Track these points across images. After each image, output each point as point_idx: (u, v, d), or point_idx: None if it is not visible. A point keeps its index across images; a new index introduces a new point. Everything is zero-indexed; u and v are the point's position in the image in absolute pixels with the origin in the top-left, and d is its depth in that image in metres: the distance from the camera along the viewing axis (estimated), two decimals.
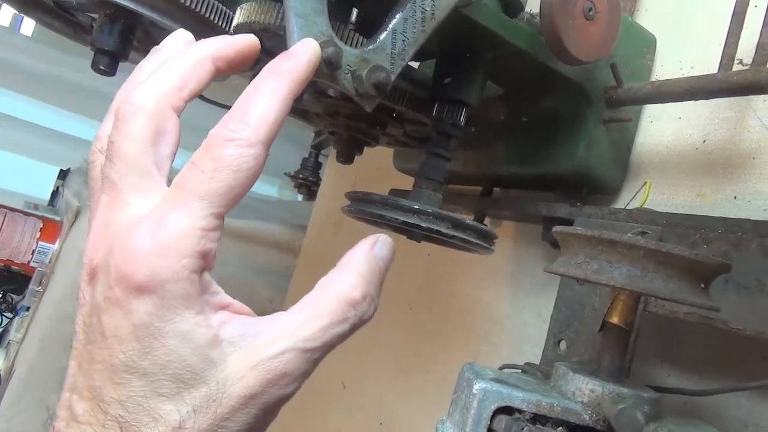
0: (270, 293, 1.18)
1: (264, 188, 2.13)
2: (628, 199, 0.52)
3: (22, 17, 2.02)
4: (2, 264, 1.26)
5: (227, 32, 0.39)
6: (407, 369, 0.70)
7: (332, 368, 0.82)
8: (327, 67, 0.33)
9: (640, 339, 0.41)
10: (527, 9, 0.47)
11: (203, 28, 0.40)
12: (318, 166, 1.05)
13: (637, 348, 0.40)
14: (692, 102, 0.46)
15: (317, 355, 0.25)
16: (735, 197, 0.44)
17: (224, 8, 0.38)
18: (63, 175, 1.59)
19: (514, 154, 0.55)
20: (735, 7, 0.43)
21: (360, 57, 0.35)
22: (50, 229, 1.26)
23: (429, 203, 0.44)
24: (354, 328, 0.26)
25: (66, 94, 1.79)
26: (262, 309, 0.94)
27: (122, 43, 0.43)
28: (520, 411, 0.29)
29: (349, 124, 0.51)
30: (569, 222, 0.50)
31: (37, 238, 1.25)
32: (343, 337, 0.26)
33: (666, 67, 0.52)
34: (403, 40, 0.37)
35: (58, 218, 1.27)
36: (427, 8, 0.37)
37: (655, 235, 0.41)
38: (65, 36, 0.48)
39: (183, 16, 0.38)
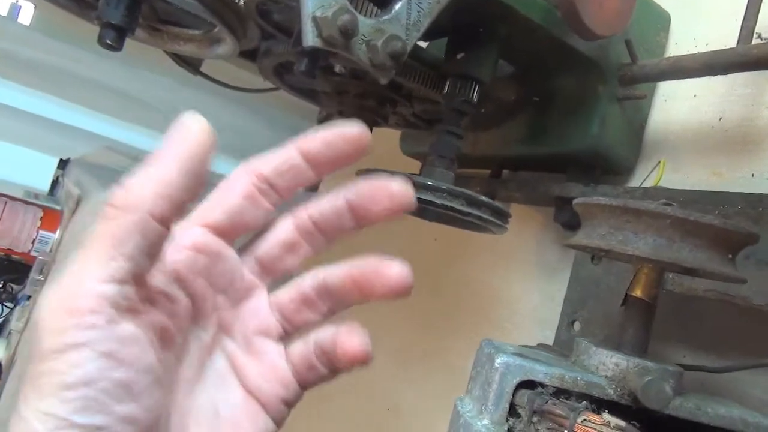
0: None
1: None
2: (642, 179, 0.51)
3: (20, 6, 2.00)
4: (2, 253, 1.25)
5: (236, 4, 0.38)
6: (415, 355, 0.69)
7: None
8: (342, 35, 0.32)
9: (656, 318, 0.40)
10: None
11: (213, 1, 0.39)
12: None
13: (653, 327, 0.40)
14: (707, 79, 0.45)
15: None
16: (753, 175, 0.44)
17: None
18: (63, 164, 1.58)
19: (526, 134, 0.54)
20: None
21: (375, 27, 0.35)
22: (51, 218, 1.25)
23: (442, 180, 0.43)
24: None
25: (64, 84, 1.77)
26: None
27: (129, 17, 0.42)
28: (542, 385, 0.28)
29: (357, 102, 0.51)
30: None
31: (38, 227, 1.25)
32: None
33: (680, 45, 0.52)
34: (418, 11, 0.36)
35: (58, 207, 1.26)
36: None
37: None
38: (70, 11, 0.47)
39: None
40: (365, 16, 0.36)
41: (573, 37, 0.44)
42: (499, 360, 0.28)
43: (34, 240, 1.23)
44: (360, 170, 0.44)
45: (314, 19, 0.32)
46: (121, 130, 1.94)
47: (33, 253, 1.22)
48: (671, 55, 0.52)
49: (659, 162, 0.50)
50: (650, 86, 0.51)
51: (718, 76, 0.43)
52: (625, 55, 0.47)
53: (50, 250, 1.19)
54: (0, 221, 1.22)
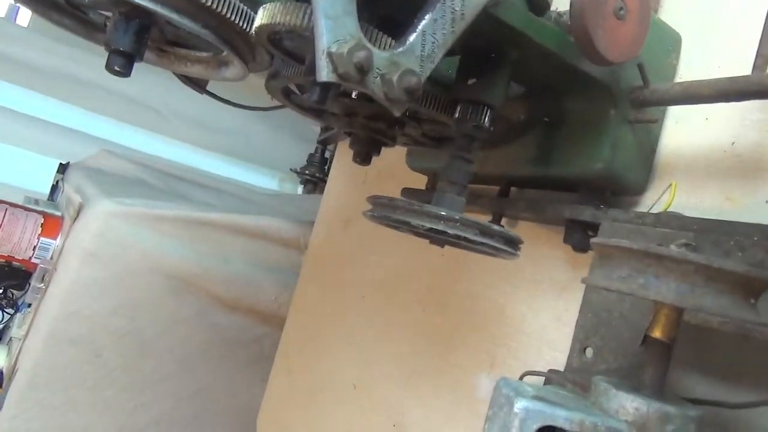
0: (276, 291, 1.17)
1: (265, 181, 2.12)
2: (653, 201, 0.51)
3: (18, 7, 1.99)
4: (3, 260, 1.24)
5: (247, 33, 0.37)
6: (420, 371, 0.69)
7: (342, 369, 0.81)
8: (358, 72, 0.32)
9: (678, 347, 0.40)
10: (553, 7, 0.45)
11: (223, 29, 0.38)
12: (324, 162, 1.04)
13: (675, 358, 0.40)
14: (720, 103, 0.45)
15: None
16: (767, 201, 0.43)
17: (245, 8, 0.37)
18: (62, 169, 1.57)
19: (535, 154, 0.53)
20: None
21: (389, 60, 0.34)
22: (51, 225, 1.24)
23: (453, 208, 0.43)
24: None
25: (64, 86, 1.77)
26: (267, 306, 0.94)
27: (138, 43, 0.41)
28: (563, 430, 0.28)
29: (366, 124, 0.50)
30: (593, 225, 0.49)
31: (39, 234, 1.24)
32: None
33: (692, 68, 0.51)
34: (432, 42, 0.36)
35: (59, 213, 1.25)
36: (457, 8, 0.36)
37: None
38: (78, 35, 0.46)
39: (202, 16, 0.36)
40: (379, 47, 0.35)
41: (585, 62, 0.44)
42: (519, 405, 0.28)
43: (35, 247, 1.22)
44: (371, 196, 0.44)
45: (330, 54, 0.32)
46: (121, 132, 1.93)
47: (34, 260, 1.21)
48: (682, 79, 0.52)
49: (670, 184, 0.49)
50: (660, 109, 0.50)
51: None
52: (637, 78, 0.47)
53: (51, 258, 1.19)
54: (1, 228, 1.21)
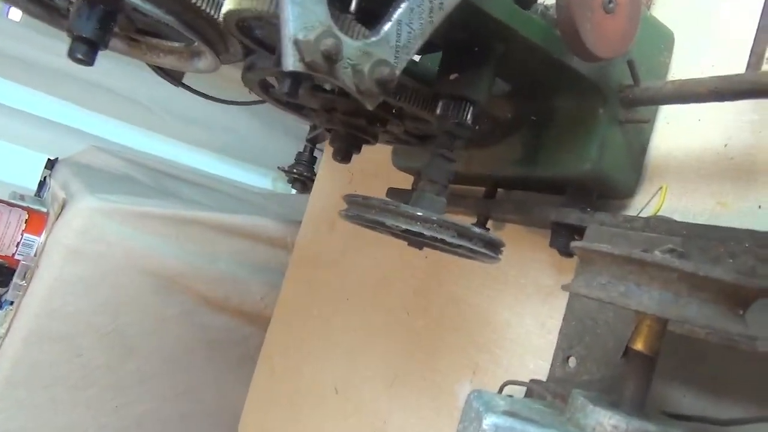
0: (262, 291, 1.15)
1: (258, 180, 2.10)
2: (642, 205, 0.49)
3: None
4: None
5: (215, 19, 0.35)
6: (402, 376, 0.67)
7: (324, 373, 0.79)
8: (325, 60, 0.30)
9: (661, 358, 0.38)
10: (541, 1, 0.43)
11: (189, 15, 0.36)
12: (313, 160, 1.02)
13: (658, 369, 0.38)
14: (713, 103, 0.43)
15: None
16: (759, 206, 0.42)
17: None
18: (50, 164, 1.55)
19: (522, 155, 0.52)
20: (766, 2, 0.40)
21: (362, 50, 0.32)
22: (36, 221, 1.22)
23: (432, 208, 0.41)
24: None
25: (55, 81, 1.74)
26: (253, 307, 0.91)
27: (102, 30, 0.39)
28: None
29: (346, 120, 0.48)
30: (580, 229, 0.47)
31: (23, 230, 1.21)
32: None
33: (684, 66, 0.49)
34: (408, 32, 0.34)
35: (44, 209, 1.23)
36: None
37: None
38: (42, 21, 0.44)
39: (166, 1, 0.34)
40: (352, 37, 0.33)
41: (573, 58, 0.42)
42: (488, 421, 0.26)
43: (18, 243, 1.20)
44: (346, 195, 0.42)
45: (296, 42, 0.30)
46: (112, 128, 1.91)
47: (17, 257, 1.19)
48: (675, 77, 0.50)
49: (661, 187, 0.48)
50: (652, 108, 0.49)
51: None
52: (627, 76, 0.45)
53: (35, 254, 1.16)
54: None
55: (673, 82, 0.43)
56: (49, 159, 1.55)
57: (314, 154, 1.02)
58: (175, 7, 0.35)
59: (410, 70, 0.49)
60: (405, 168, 0.66)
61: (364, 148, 0.64)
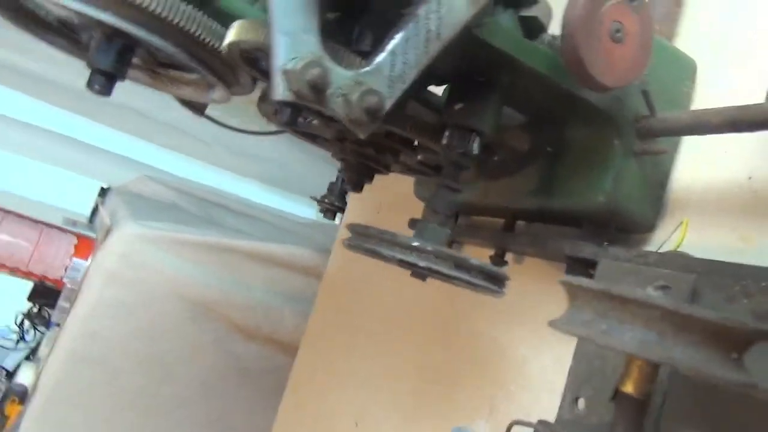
0: (295, 320, 1.15)
1: (302, 210, 2.13)
2: (663, 240, 0.47)
3: None
4: (37, 279, 1.28)
5: (218, 51, 0.36)
6: (420, 413, 0.65)
7: (346, 405, 0.78)
8: (311, 90, 0.30)
9: (671, 395, 0.36)
10: (550, 32, 0.43)
11: (194, 48, 0.37)
12: (345, 191, 1.03)
13: (666, 412, 0.35)
14: (737, 134, 0.41)
15: None
16: None
17: (215, 25, 0.36)
18: (103, 192, 1.62)
19: (538, 186, 0.50)
20: None
21: (354, 80, 0.33)
22: (85, 246, 1.27)
23: (434, 239, 0.40)
24: None
25: (112, 113, 1.83)
26: (286, 336, 0.91)
27: (119, 63, 0.41)
28: None
29: (356, 150, 0.49)
30: (594, 263, 0.45)
31: (71, 255, 1.27)
32: None
33: (709, 96, 0.47)
34: (403, 62, 0.34)
35: (93, 235, 1.28)
36: (432, 27, 0.34)
37: (685, 287, 0.36)
38: (71, 55, 0.47)
39: (171, 34, 0.36)
40: (347, 67, 0.34)
41: (583, 88, 0.41)
42: None
43: (67, 267, 1.25)
44: (349, 224, 0.42)
45: (284, 72, 0.30)
46: (164, 158, 1.99)
47: (65, 280, 1.24)
48: (698, 108, 0.48)
49: (682, 222, 0.45)
50: (674, 140, 0.47)
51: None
52: (643, 107, 0.44)
53: (82, 278, 1.21)
54: (36, 247, 1.25)
55: (689, 112, 0.41)
56: (102, 188, 1.63)
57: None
58: (181, 41, 0.36)
59: (428, 102, 0.49)
60: (425, 198, 0.65)
61: (392, 179, 0.65)
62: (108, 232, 1.15)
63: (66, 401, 1.05)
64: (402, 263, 0.37)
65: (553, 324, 0.28)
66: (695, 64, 0.48)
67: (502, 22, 0.39)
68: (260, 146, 2.00)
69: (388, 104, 0.33)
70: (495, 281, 0.38)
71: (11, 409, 1.17)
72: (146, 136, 1.92)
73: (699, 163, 0.46)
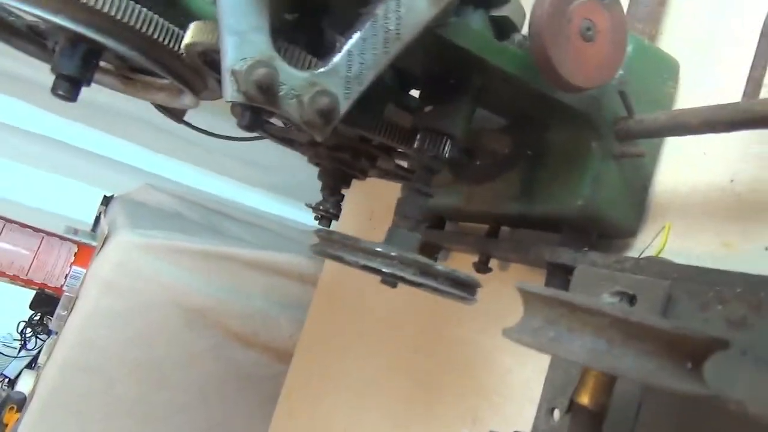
0: (292, 327, 1.14)
1: (306, 217, 2.12)
2: (646, 244, 0.45)
3: None
4: (37, 287, 1.28)
5: (178, 53, 0.36)
6: (409, 418, 0.64)
7: (336, 413, 0.77)
8: (259, 91, 0.29)
9: (644, 412, 0.34)
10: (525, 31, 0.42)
11: (155, 51, 0.37)
12: (341, 197, 1.02)
13: (640, 423, 0.34)
14: (720, 135, 0.40)
15: None
16: (766, 248, 0.37)
17: (174, 28, 0.36)
18: (106, 201, 1.63)
19: (519, 191, 0.49)
20: (764, 25, 0.37)
21: (309, 81, 0.32)
22: (84, 254, 1.27)
23: (405, 244, 0.39)
24: None
25: (116, 121, 1.84)
26: (282, 344, 0.90)
27: (84, 68, 0.40)
28: None
29: (331, 155, 0.48)
30: (573, 270, 0.44)
31: (71, 263, 1.27)
32: None
33: (694, 96, 0.46)
34: (360, 63, 0.33)
35: (94, 243, 1.28)
36: (391, 27, 0.33)
37: (660, 293, 0.34)
38: (38, 59, 0.46)
39: (129, 38, 0.35)
40: (301, 68, 0.33)
41: (556, 89, 0.40)
42: None
43: (66, 275, 1.26)
44: (316, 230, 0.41)
45: (233, 72, 0.30)
46: (169, 166, 1.99)
47: (64, 289, 1.24)
48: (682, 107, 0.46)
49: (664, 226, 0.44)
50: (656, 142, 0.45)
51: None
52: (622, 108, 0.43)
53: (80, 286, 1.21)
54: (36, 256, 1.25)
55: (666, 113, 0.40)
56: (105, 196, 1.63)
57: (342, 192, 1.02)
58: (139, 44, 0.36)
59: (408, 105, 0.48)
60: None
61: (386, 184, 0.64)
62: (104, 240, 1.15)
63: (62, 409, 1.05)
64: (366, 269, 0.35)
65: (505, 332, 0.27)
66: (678, 64, 0.46)
67: (470, 22, 0.38)
68: (263, 153, 2.00)
69: (344, 106, 0.32)
70: (464, 288, 0.37)
71: (9, 417, 1.18)
72: (150, 145, 1.92)
73: (681, 166, 0.45)
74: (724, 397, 0.30)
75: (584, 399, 0.25)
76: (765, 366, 0.30)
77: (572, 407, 0.26)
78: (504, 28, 0.40)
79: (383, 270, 0.35)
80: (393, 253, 0.35)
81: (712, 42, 0.46)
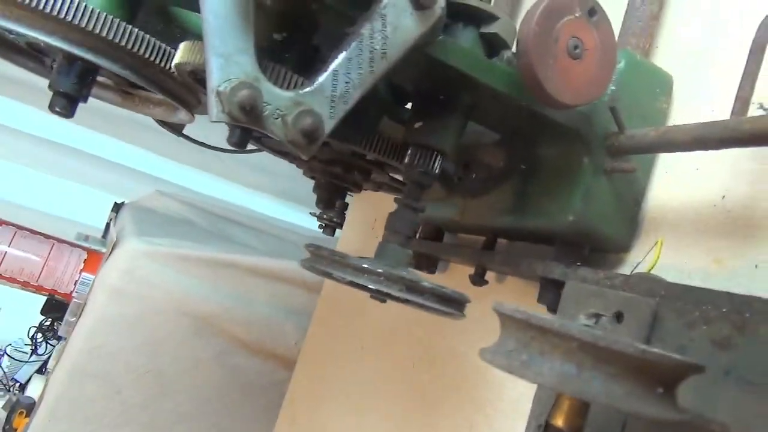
0: (296, 335, 1.15)
1: (314, 223, 2.13)
2: (639, 259, 0.45)
3: None
4: (47, 293, 1.30)
5: (170, 72, 0.36)
6: (407, 428, 0.64)
7: (338, 423, 0.77)
8: (242, 112, 0.30)
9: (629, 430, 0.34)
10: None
11: (148, 70, 0.37)
12: (345, 206, 1.02)
13: None
14: (712, 151, 0.40)
15: None
16: (756, 266, 0.37)
17: (167, 47, 0.36)
18: (117, 208, 1.65)
19: (512, 204, 0.49)
20: (752, 43, 0.37)
21: (294, 100, 0.32)
22: (94, 261, 1.29)
23: (392, 260, 0.40)
24: None
25: (128, 128, 1.86)
26: (287, 351, 0.91)
27: (80, 85, 0.41)
28: None
29: (325, 169, 0.48)
30: (563, 284, 0.44)
31: (80, 269, 1.28)
32: None
33: (688, 112, 0.46)
34: (346, 82, 0.33)
35: (104, 250, 1.30)
36: (377, 47, 0.34)
37: (647, 311, 0.34)
38: (39, 75, 0.47)
39: (122, 57, 0.36)
40: (289, 87, 0.33)
41: (544, 106, 0.40)
42: None
43: (76, 282, 1.27)
44: (307, 244, 0.41)
45: (218, 93, 0.30)
46: (180, 173, 2.01)
47: (74, 295, 1.26)
48: (675, 122, 0.46)
49: (657, 242, 0.44)
50: (649, 157, 0.45)
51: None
52: (613, 124, 0.43)
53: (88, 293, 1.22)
54: (46, 262, 1.27)
55: (656, 129, 0.40)
56: (115, 203, 1.65)
57: (346, 201, 1.02)
58: (133, 63, 0.36)
59: (404, 120, 0.49)
60: None
61: (387, 195, 0.64)
62: (114, 247, 1.16)
63: (69, 415, 1.06)
64: (354, 285, 0.36)
65: (481, 353, 0.27)
66: (672, 79, 0.46)
67: (459, 39, 0.38)
68: (273, 160, 2.02)
69: (329, 125, 0.32)
70: (450, 304, 0.37)
71: (19, 422, 1.19)
72: (161, 151, 1.95)
73: (674, 181, 0.44)
74: (707, 418, 0.30)
75: (559, 421, 0.26)
76: (748, 387, 0.29)
77: (548, 429, 0.26)
78: (494, 44, 0.40)
79: (370, 286, 0.35)
80: (380, 270, 0.35)
81: (707, 57, 0.46)
